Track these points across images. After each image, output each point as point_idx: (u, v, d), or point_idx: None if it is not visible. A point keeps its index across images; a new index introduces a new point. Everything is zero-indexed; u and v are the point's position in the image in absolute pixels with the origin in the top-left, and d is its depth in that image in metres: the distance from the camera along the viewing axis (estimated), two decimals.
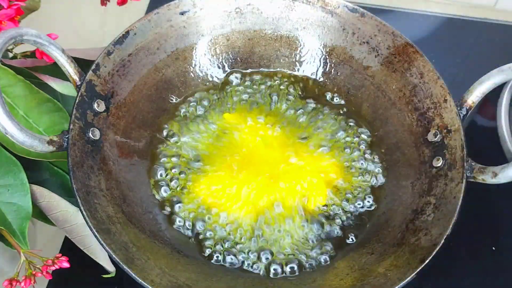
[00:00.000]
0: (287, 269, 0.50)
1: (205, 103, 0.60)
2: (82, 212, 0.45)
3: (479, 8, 0.84)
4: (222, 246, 0.51)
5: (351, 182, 0.55)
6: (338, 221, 0.53)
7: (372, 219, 0.54)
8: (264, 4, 0.61)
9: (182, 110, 0.59)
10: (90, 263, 0.50)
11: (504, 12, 0.84)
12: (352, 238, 0.52)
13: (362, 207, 0.54)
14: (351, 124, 0.59)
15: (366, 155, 0.57)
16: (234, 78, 0.62)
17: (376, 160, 0.57)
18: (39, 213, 0.50)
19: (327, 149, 0.57)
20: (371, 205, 0.54)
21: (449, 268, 0.59)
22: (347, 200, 0.54)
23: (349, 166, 0.56)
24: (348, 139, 0.58)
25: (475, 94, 0.51)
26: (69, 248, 0.55)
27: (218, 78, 0.62)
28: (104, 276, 0.51)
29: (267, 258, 0.50)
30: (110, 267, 0.50)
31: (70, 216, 0.49)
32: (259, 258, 0.51)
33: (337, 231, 0.53)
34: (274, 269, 0.50)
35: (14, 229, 0.47)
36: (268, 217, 0.52)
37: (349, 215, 0.54)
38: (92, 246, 0.50)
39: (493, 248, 0.61)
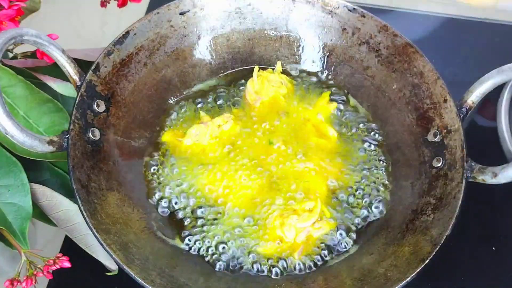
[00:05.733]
0: (287, 269, 0.50)
1: (205, 102, 0.60)
2: (82, 213, 0.45)
3: (479, 8, 0.84)
4: (219, 249, 0.51)
5: (348, 184, 0.56)
6: (338, 222, 0.53)
7: (373, 220, 0.54)
8: (264, 4, 0.61)
9: (183, 109, 0.60)
10: (90, 263, 0.50)
11: (504, 12, 0.84)
12: (352, 238, 0.52)
13: (365, 208, 0.54)
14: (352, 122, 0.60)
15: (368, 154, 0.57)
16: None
17: (381, 160, 0.57)
18: (40, 214, 0.50)
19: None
20: (374, 206, 0.55)
21: (449, 268, 0.59)
22: (348, 203, 0.54)
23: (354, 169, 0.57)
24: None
25: (475, 94, 0.51)
26: (69, 248, 0.56)
27: (218, 78, 0.62)
28: (108, 274, 0.51)
29: (266, 259, 0.51)
30: (113, 266, 0.51)
31: (72, 215, 0.49)
32: (256, 258, 0.51)
33: (337, 231, 0.53)
34: (275, 270, 0.50)
35: (14, 229, 0.47)
36: (269, 218, 0.53)
37: (349, 215, 0.54)
38: (94, 245, 0.50)
39: (493, 248, 0.61)
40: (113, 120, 0.54)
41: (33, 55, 0.55)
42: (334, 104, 0.60)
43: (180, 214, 0.53)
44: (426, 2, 0.85)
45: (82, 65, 0.52)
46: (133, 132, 0.56)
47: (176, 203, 0.53)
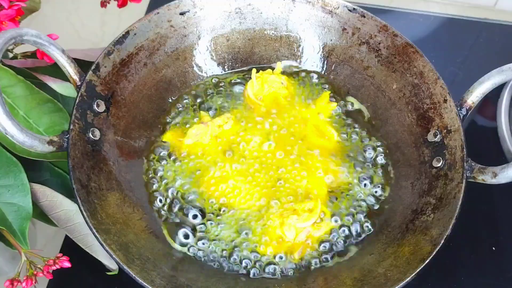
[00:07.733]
0: (288, 269, 0.50)
1: (205, 102, 0.60)
2: (82, 213, 0.45)
3: (479, 8, 0.84)
4: (219, 249, 0.51)
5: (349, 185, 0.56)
6: (338, 222, 0.53)
7: (373, 220, 0.54)
8: (264, 5, 0.61)
9: (183, 109, 0.60)
10: (90, 263, 0.50)
11: (504, 12, 0.84)
12: (352, 239, 0.52)
13: (363, 208, 0.54)
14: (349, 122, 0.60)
15: (368, 154, 0.57)
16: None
17: (380, 160, 0.57)
18: (40, 214, 0.50)
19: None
20: (374, 205, 0.55)
21: (449, 268, 0.59)
22: (349, 202, 0.55)
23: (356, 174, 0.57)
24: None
25: (475, 94, 0.51)
26: (69, 248, 0.56)
27: (218, 78, 0.62)
28: (108, 274, 0.51)
29: (266, 259, 0.51)
30: (113, 265, 0.51)
31: (73, 215, 0.50)
32: (257, 259, 0.51)
33: (337, 231, 0.53)
34: (275, 270, 0.50)
35: (14, 229, 0.47)
36: (269, 218, 0.53)
37: (349, 216, 0.54)
38: (94, 245, 0.50)
39: (493, 248, 0.61)
40: (113, 120, 0.54)
41: (33, 55, 0.55)
42: (334, 104, 0.60)
43: (180, 214, 0.53)
44: (426, 2, 0.85)
45: (82, 65, 0.52)
46: (133, 132, 0.56)
47: (176, 203, 0.53)
